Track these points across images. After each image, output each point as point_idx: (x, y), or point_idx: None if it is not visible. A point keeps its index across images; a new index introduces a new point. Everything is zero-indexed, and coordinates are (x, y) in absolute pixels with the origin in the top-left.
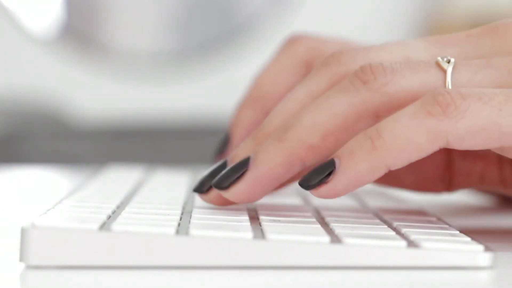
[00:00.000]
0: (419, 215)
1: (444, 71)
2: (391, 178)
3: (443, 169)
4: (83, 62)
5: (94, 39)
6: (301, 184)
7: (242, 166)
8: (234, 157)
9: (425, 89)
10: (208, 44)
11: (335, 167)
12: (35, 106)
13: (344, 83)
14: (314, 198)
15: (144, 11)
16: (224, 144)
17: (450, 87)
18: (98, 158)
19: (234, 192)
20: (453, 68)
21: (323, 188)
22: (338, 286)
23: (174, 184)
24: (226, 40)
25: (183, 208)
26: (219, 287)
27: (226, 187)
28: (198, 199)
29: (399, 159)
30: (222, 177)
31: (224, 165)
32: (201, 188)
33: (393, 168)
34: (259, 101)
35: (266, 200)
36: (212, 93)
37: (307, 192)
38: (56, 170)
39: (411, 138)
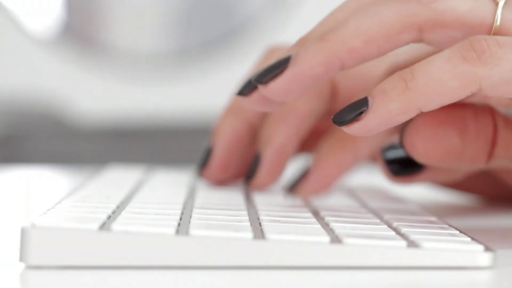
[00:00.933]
0: (419, 215)
1: (496, 3)
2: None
3: (492, 137)
4: (83, 62)
5: (94, 39)
6: (334, 121)
7: (283, 63)
8: (297, 57)
9: (474, 15)
10: (208, 44)
11: (368, 105)
12: (35, 106)
13: None
14: (314, 198)
15: (144, 11)
16: (207, 156)
17: (499, 21)
18: (98, 158)
19: (273, 87)
20: (505, 3)
21: (355, 125)
22: (338, 286)
23: (174, 184)
24: (226, 40)
25: (183, 208)
26: (219, 287)
27: (265, 82)
28: (198, 199)
29: (431, 102)
30: (262, 72)
31: (287, 61)
32: (244, 91)
33: (424, 110)
34: (240, 111)
35: (266, 200)
36: (212, 93)
37: None
38: (56, 170)
39: (444, 81)
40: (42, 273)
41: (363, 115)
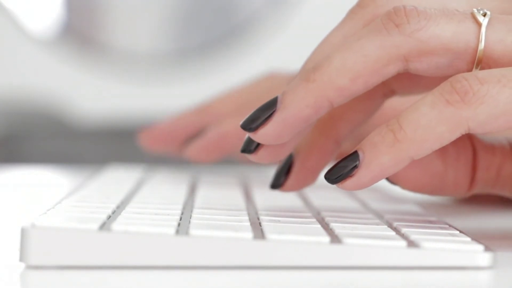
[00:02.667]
0: (419, 215)
1: (479, 24)
2: (434, 181)
3: (471, 161)
4: (83, 62)
5: (94, 39)
6: (326, 179)
7: (270, 107)
8: (286, 95)
9: (458, 40)
10: (208, 44)
11: (359, 160)
12: (35, 106)
13: (376, 24)
14: (314, 198)
15: (144, 11)
16: (154, 124)
17: (483, 43)
18: (98, 158)
19: (263, 133)
20: (488, 23)
21: (349, 182)
22: (338, 286)
23: (174, 184)
24: (225, 40)
25: (183, 208)
26: (219, 287)
27: (254, 129)
28: (198, 199)
29: (422, 150)
30: (249, 118)
31: (274, 103)
32: (249, 148)
33: (416, 158)
34: (205, 114)
35: (266, 200)
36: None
37: (307, 192)
38: (56, 170)
39: (432, 128)
40: (42, 273)
41: (355, 170)
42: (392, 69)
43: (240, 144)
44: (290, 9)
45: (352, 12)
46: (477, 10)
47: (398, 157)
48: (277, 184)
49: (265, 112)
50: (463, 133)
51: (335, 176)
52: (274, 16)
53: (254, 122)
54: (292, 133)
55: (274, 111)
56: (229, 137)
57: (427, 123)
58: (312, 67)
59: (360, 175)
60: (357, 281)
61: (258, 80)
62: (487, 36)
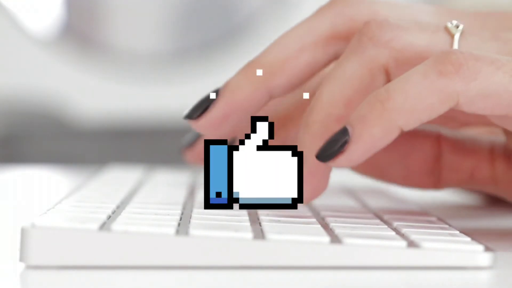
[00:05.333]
0: (419, 215)
1: (452, 36)
2: (379, 171)
3: (432, 162)
4: (83, 62)
5: (94, 39)
6: (318, 157)
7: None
8: (227, 88)
9: (432, 50)
10: (208, 44)
11: (349, 135)
12: (35, 106)
13: (351, 45)
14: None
15: (144, 11)
16: (195, 139)
17: None
18: (98, 158)
19: (307, 192)
20: (461, 35)
21: (341, 158)
22: (338, 286)
23: (174, 184)
24: (225, 40)
25: (183, 208)
26: (219, 287)
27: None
28: (198, 199)
29: (411, 120)
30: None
31: (216, 92)
32: (193, 114)
33: (406, 129)
34: (266, 79)
35: None
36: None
37: None
38: (56, 170)
39: (423, 98)
40: (42, 273)
41: (346, 146)
42: (379, 82)
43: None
44: (290, 9)
45: (321, 9)
46: (450, 23)
47: (387, 128)
48: (190, 115)
49: (205, 103)
50: (452, 106)
51: (326, 153)
52: (274, 16)
53: (195, 111)
54: (327, 176)
55: (301, 166)
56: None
57: (417, 93)
58: (307, 112)
59: (351, 149)
60: (357, 281)
61: (316, 17)
62: (461, 47)
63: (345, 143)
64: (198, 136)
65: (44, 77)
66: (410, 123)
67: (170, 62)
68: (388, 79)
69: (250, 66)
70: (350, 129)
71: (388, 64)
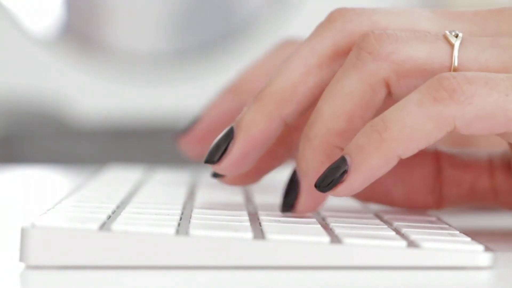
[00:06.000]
0: (419, 215)
1: (452, 45)
2: (380, 195)
3: (433, 178)
4: (83, 62)
5: (94, 39)
6: (317, 187)
7: (293, 183)
8: (240, 121)
9: (432, 61)
10: (208, 44)
11: (347, 165)
12: (35, 106)
13: (350, 59)
14: None
15: (144, 11)
16: (192, 124)
17: (456, 63)
18: (98, 158)
19: (301, 206)
20: (461, 44)
21: (340, 188)
22: (338, 286)
23: (174, 184)
24: (225, 40)
25: (183, 208)
26: (219, 287)
27: (291, 204)
28: (198, 199)
29: (409, 148)
30: (283, 198)
31: (230, 131)
32: (212, 158)
33: (404, 157)
34: (240, 93)
35: (266, 200)
36: (212, 93)
37: None
38: (56, 170)
39: (419, 126)
40: (42, 273)
41: (345, 176)
42: (380, 96)
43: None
44: (290, 9)
45: (320, 27)
46: (449, 32)
47: (386, 157)
48: (211, 160)
49: (291, 188)
50: (449, 131)
51: (326, 183)
52: (274, 15)
53: (285, 205)
54: (323, 196)
55: (299, 184)
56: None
57: (414, 121)
58: (307, 126)
59: (351, 179)
60: (357, 281)
61: (276, 49)
62: (461, 56)
63: (344, 173)
64: (192, 123)
65: (44, 77)
66: (409, 151)
67: (170, 62)
68: (389, 91)
69: (260, 98)
70: (348, 159)
71: (389, 78)
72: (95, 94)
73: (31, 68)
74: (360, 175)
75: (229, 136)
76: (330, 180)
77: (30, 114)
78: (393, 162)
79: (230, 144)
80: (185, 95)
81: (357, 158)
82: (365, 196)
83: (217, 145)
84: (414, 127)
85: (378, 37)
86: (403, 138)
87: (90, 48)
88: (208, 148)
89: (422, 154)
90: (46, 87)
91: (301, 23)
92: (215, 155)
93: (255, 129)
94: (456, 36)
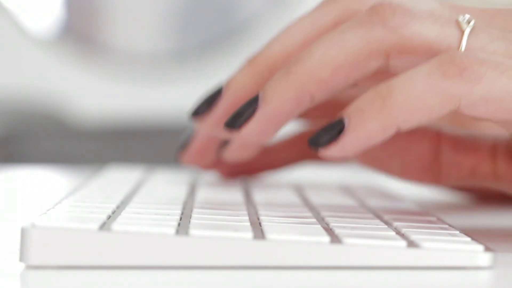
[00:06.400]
0: (419, 215)
1: (462, 31)
2: (377, 161)
3: (430, 159)
4: (83, 62)
5: (94, 39)
6: (310, 143)
7: (252, 103)
8: (230, 85)
9: (440, 43)
10: (208, 44)
11: (344, 126)
12: (35, 106)
13: (361, 17)
14: (314, 198)
15: (144, 11)
16: (189, 139)
17: (463, 49)
18: (98, 158)
19: (247, 132)
20: (471, 31)
21: (333, 148)
22: (338, 286)
23: (174, 184)
24: (225, 40)
25: (183, 208)
26: (219, 287)
27: (238, 127)
28: (198, 199)
29: (410, 120)
30: (233, 117)
31: (219, 91)
32: (198, 112)
33: (403, 129)
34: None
35: (266, 200)
36: None
37: (307, 192)
38: (56, 170)
39: (424, 99)
40: (42, 273)
41: (340, 136)
42: (373, 64)
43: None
44: (290, 9)
45: (325, 2)
46: (462, 17)
47: (385, 124)
48: (196, 114)
49: (247, 109)
50: (453, 109)
51: (319, 140)
52: (274, 16)
53: (236, 119)
54: (275, 129)
55: (256, 108)
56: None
57: (419, 93)
58: (293, 60)
59: (345, 140)
60: (357, 281)
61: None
62: (469, 43)
63: (340, 132)
64: (191, 138)
65: (44, 77)
66: (408, 123)
67: (170, 62)
68: (387, 63)
69: (253, 62)
70: (346, 120)
71: (391, 49)
72: (95, 94)
73: (31, 68)
74: (355, 137)
75: (218, 95)
76: (324, 137)
77: (30, 114)
78: (391, 130)
79: (217, 102)
80: (185, 95)
81: (355, 120)
82: (363, 160)
83: (206, 101)
84: (418, 98)
85: (395, 8)
86: (406, 108)
87: (90, 48)
88: (210, 158)
89: (421, 133)
90: (46, 87)
91: None
92: (201, 110)
93: (242, 90)
94: (468, 23)
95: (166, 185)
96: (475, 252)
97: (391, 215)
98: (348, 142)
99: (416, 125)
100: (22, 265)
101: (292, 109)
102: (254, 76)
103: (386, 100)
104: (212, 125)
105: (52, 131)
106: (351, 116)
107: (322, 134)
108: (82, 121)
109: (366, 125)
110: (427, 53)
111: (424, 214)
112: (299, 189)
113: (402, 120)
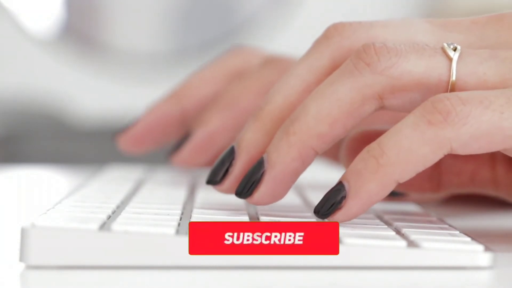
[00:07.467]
0: (419, 215)
1: (450, 59)
2: None
3: (430, 168)
4: (83, 62)
5: (94, 39)
6: (316, 213)
7: (258, 169)
8: (240, 141)
9: (429, 75)
10: (208, 44)
11: (346, 191)
12: (35, 106)
13: (347, 66)
14: (314, 198)
15: (144, 11)
16: (132, 125)
17: (454, 76)
18: (98, 158)
19: (259, 196)
20: (459, 57)
21: (339, 214)
22: (338, 286)
23: (174, 184)
24: (225, 40)
25: (183, 208)
26: (219, 287)
27: (250, 194)
28: (198, 199)
29: (406, 172)
30: (241, 185)
31: (232, 151)
32: (215, 178)
33: (402, 181)
34: (182, 98)
35: None
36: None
37: (307, 191)
38: (56, 170)
39: (415, 150)
40: (42, 273)
41: (343, 202)
42: (368, 109)
43: (230, 142)
44: (290, 9)
45: (317, 43)
46: (447, 45)
47: (383, 182)
48: (214, 180)
49: (255, 174)
50: (446, 153)
51: (325, 210)
52: (274, 15)
53: (247, 186)
54: (287, 188)
55: (263, 173)
56: (218, 136)
57: (409, 145)
58: (289, 120)
59: (349, 205)
60: (357, 281)
61: (224, 57)
62: (459, 70)
63: (343, 199)
64: (183, 141)
65: (44, 77)
66: (406, 175)
67: (170, 62)
68: (382, 104)
69: (259, 117)
70: (346, 185)
71: (383, 92)
72: (95, 94)
73: (31, 68)
74: (358, 201)
75: (231, 156)
76: (329, 206)
77: (30, 114)
78: (391, 187)
79: (232, 164)
80: None
81: (355, 184)
82: None
83: (220, 164)
84: (410, 151)
85: (379, 50)
86: (400, 162)
87: (90, 48)
88: (143, 148)
89: None
90: (46, 87)
91: (301, 23)
92: (218, 174)
93: (255, 148)
94: (455, 49)
95: (166, 185)
96: (475, 252)
97: (391, 215)
98: (352, 207)
99: (414, 175)
100: (22, 265)
101: (298, 167)
102: (263, 132)
103: (379, 159)
104: (232, 188)
105: (52, 131)
106: (350, 180)
107: (325, 203)
108: (82, 121)
109: (366, 188)
110: (419, 88)
111: (424, 214)
112: (299, 189)
113: (398, 174)
